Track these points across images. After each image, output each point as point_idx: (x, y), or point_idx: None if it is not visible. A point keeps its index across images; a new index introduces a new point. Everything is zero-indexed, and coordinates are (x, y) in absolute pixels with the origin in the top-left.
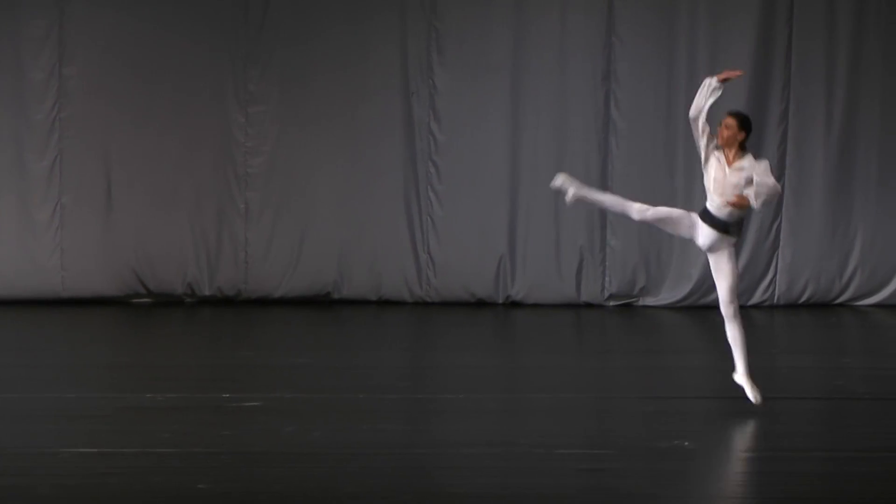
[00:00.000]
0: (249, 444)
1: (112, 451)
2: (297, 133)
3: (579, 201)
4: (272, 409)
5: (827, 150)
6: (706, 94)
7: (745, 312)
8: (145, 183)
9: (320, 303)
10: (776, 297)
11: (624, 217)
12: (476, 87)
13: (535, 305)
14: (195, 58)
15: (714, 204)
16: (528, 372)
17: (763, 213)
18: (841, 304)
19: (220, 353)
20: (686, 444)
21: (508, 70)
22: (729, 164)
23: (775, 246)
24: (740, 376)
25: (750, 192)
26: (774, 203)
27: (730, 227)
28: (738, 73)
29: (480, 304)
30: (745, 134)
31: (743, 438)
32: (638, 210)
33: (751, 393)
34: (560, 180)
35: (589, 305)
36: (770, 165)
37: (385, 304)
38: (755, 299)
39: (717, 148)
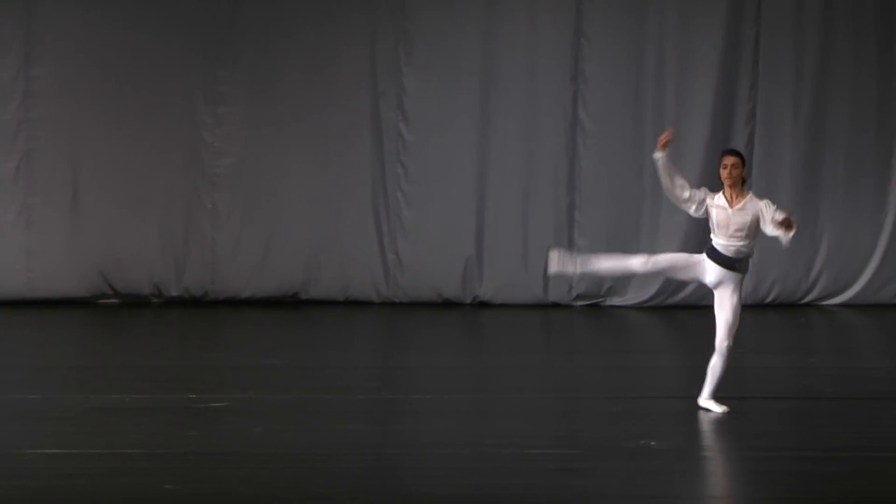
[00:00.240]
0: (217, 444)
1: (79, 453)
2: (265, 134)
3: (584, 276)
4: (240, 410)
5: (794, 151)
6: (665, 174)
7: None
8: (113, 183)
9: (288, 303)
10: (743, 298)
11: (629, 274)
12: (444, 88)
13: (503, 306)
14: (164, 58)
15: (720, 242)
16: (497, 372)
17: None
18: (808, 304)
19: (187, 354)
20: (653, 443)
21: (477, 71)
22: (731, 204)
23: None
24: (705, 400)
25: (780, 232)
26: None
27: (737, 264)
28: (668, 132)
29: (448, 305)
30: (744, 168)
31: (710, 438)
32: (640, 264)
33: (716, 407)
34: (555, 264)
35: (556, 306)
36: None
37: (353, 304)
38: None
39: (711, 192)
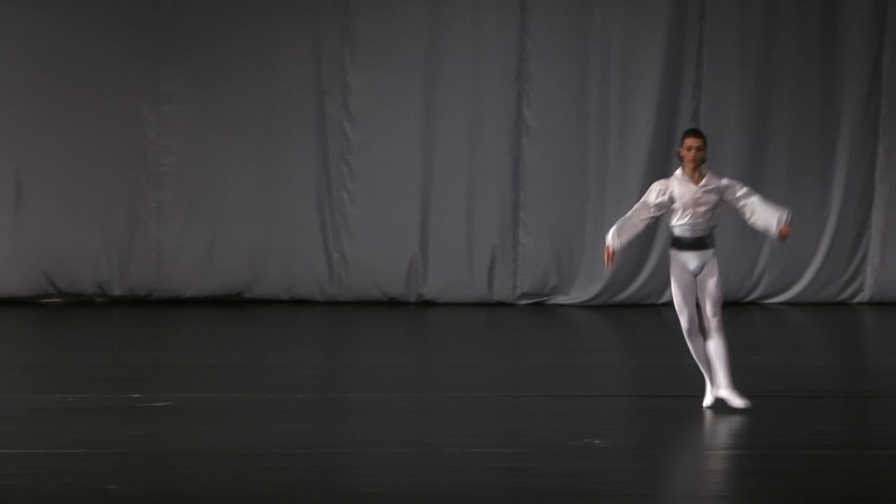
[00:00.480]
0: (160, 444)
1: (21, 452)
2: (209, 132)
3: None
4: (183, 410)
5: (737, 149)
6: (632, 238)
7: (655, 311)
8: (55, 182)
9: (232, 302)
10: None
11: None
12: (389, 86)
13: (448, 304)
14: (107, 57)
15: (683, 226)
16: (441, 371)
17: None
18: (751, 303)
19: (131, 354)
20: (598, 442)
21: (422, 69)
22: (696, 183)
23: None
24: (725, 390)
25: (769, 220)
26: None
27: (706, 240)
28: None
29: (393, 304)
30: (707, 149)
31: (654, 436)
32: (688, 331)
33: (738, 401)
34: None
35: (501, 304)
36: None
37: (297, 303)
38: (666, 297)
39: (665, 180)
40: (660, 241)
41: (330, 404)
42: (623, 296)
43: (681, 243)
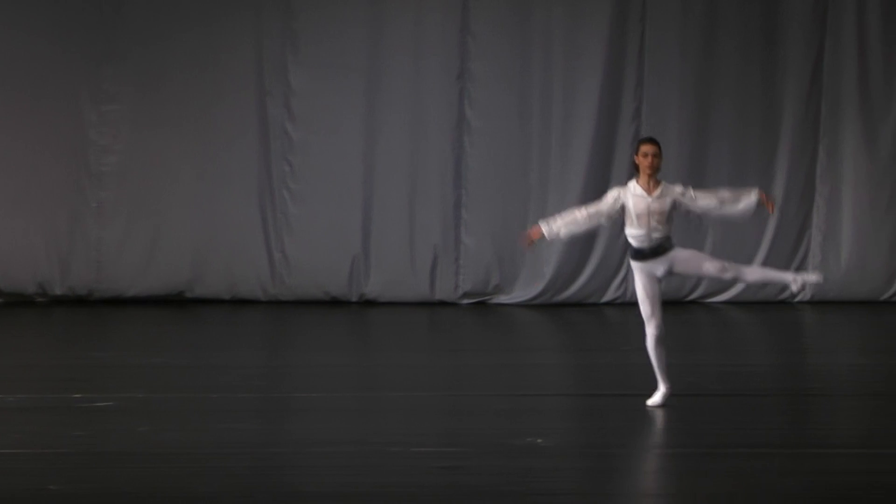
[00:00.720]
0: (102, 444)
1: None
2: (151, 132)
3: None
4: (125, 410)
5: (679, 149)
6: (572, 232)
7: (597, 310)
8: None
9: (174, 302)
10: (629, 295)
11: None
12: (331, 86)
13: (390, 304)
14: (48, 56)
15: (640, 236)
16: (383, 370)
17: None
18: (693, 302)
19: (72, 353)
20: (540, 441)
21: (364, 69)
22: (649, 192)
23: (628, 244)
24: (796, 282)
25: (734, 205)
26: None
27: (665, 244)
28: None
29: (335, 303)
30: (662, 157)
31: (596, 435)
32: (655, 337)
33: (813, 276)
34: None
35: (443, 303)
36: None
37: (239, 303)
38: (608, 297)
39: (619, 187)
40: (602, 240)
41: (272, 404)
42: (565, 295)
43: (641, 254)
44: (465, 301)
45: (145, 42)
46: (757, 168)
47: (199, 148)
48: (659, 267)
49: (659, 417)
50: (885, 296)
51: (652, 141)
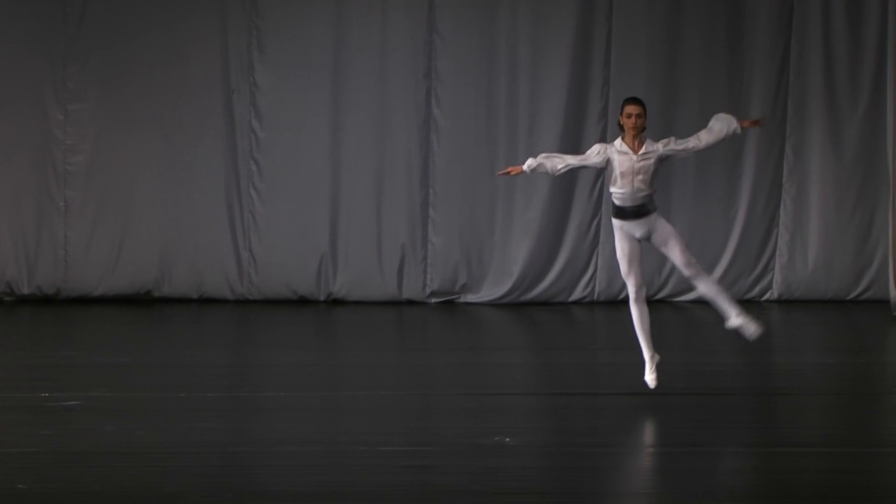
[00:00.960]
0: (69, 443)
1: None
2: (117, 131)
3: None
4: (92, 409)
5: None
6: (543, 170)
7: (564, 309)
8: None
9: (141, 301)
10: (596, 294)
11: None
12: (297, 84)
13: (357, 303)
14: (13, 55)
15: (623, 195)
16: (350, 369)
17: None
18: (660, 300)
19: (39, 353)
20: (508, 440)
21: (330, 67)
22: (635, 151)
23: (595, 243)
24: (735, 319)
25: (722, 127)
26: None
27: (648, 206)
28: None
29: (302, 302)
30: (646, 117)
31: (564, 434)
32: (635, 296)
33: (752, 326)
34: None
35: (411, 302)
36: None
37: (206, 302)
38: (575, 296)
39: (606, 144)
40: (569, 240)
41: (239, 403)
42: (532, 294)
43: (623, 213)
44: (433, 300)
45: (110, 40)
46: (723, 166)
47: (166, 147)
48: (638, 229)
49: (626, 416)
50: (852, 295)
51: (636, 101)
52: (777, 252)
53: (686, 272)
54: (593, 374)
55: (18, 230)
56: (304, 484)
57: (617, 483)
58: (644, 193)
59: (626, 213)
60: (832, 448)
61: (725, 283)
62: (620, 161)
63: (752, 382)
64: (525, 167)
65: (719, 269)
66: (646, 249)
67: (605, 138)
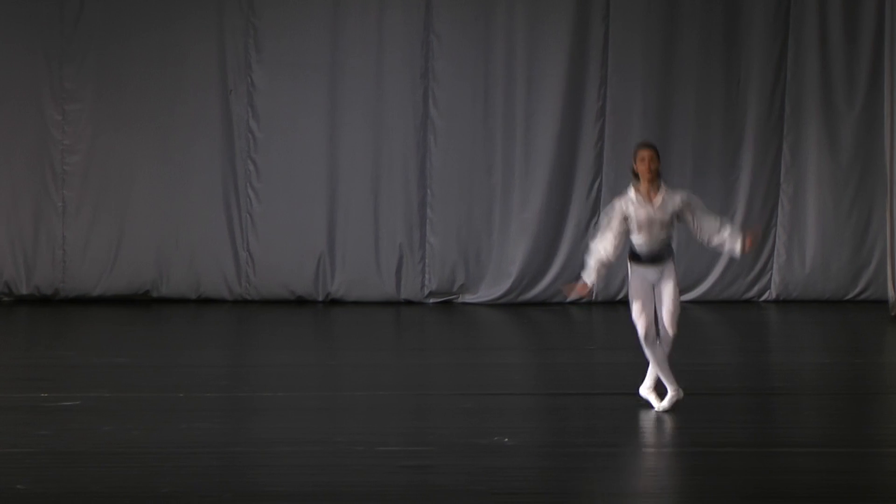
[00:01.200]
0: (67, 443)
1: None
2: (114, 131)
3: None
4: (90, 409)
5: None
6: (606, 270)
7: (562, 309)
8: None
9: (139, 301)
10: (594, 294)
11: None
12: (295, 84)
13: (355, 303)
14: (10, 55)
15: (643, 244)
16: (348, 370)
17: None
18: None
19: (37, 353)
20: (506, 440)
21: (327, 68)
22: (650, 199)
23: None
24: (646, 389)
25: (724, 239)
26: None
27: (664, 253)
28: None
29: (300, 302)
30: (660, 161)
31: (562, 434)
32: (646, 342)
33: (656, 402)
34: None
35: (409, 303)
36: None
37: (204, 302)
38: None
39: (620, 198)
40: (567, 239)
41: (237, 403)
42: (530, 294)
43: (640, 259)
44: (431, 300)
45: (107, 41)
46: (720, 166)
47: (164, 147)
48: (651, 274)
49: (624, 416)
50: (849, 295)
51: (648, 146)
52: (775, 252)
53: (666, 322)
54: (591, 375)
55: (16, 230)
56: (301, 484)
57: (615, 483)
58: (662, 239)
59: (643, 259)
60: (830, 448)
61: (723, 284)
62: (637, 212)
63: (750, 382)
64: (589, 282)
65: (717, 271)
66: None
67: (602, 139)
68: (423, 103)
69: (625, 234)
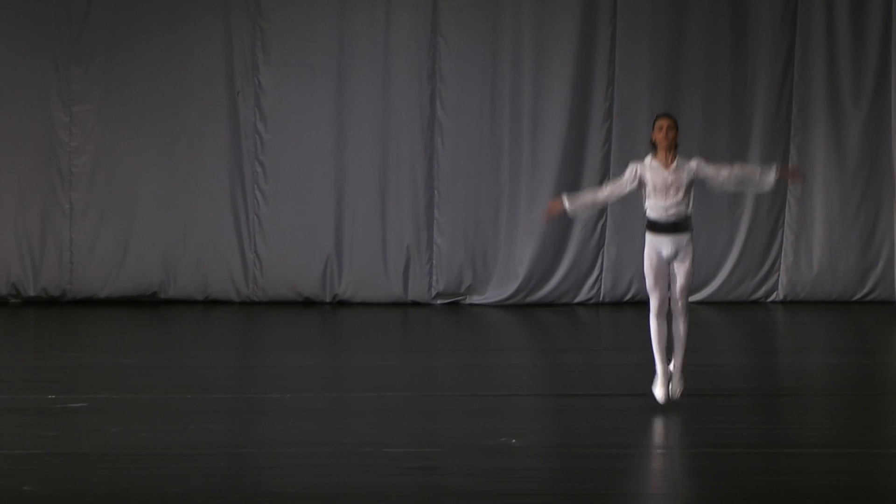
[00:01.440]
0: (75, 445)
1: None
2: (121, 132)
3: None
4: (98, 410)
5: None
6: (586, 207)
7: (570, 310)
8: None
9: (146, 303)
10: (602, 295)
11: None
12: (302, 86)
13: (363, 304)
14: (17, 57)
15: (658, 207)
16: (356, 371)
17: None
18: None
19: (45, 354)
20: (513, 441)
21: (334, 69)
22: (666, 166)
23: (601, 244)
24: (675, 369)
25: (755, 169)
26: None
27: (682, 224)
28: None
29: (308, 303)
30: (678, 132)
31: (569, 435)
32: (655, 316)
33: (676, 385)
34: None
35: (416, 304)
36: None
37: (212, 303)
38: (581, 297)
39: (638, 162)
40: (574, 241)
41: (245, 404)
42: (538, 295)
43: (656, 226)
44: (439, 301)
45: (114, 42)
46: None
47: (171, 148)
48: (667, 247)
49: (632, 417)
50: (857, 296)
51: (667, 115)
52: (782, 253)
53: (677, 293)
54: (598, 376)
55: (23, 232)
56: (309, 485)
57: (623, 484)
58: (678, 209)
59: (659, 227)
60: (837, 449)
61: (730, 285)
62: (653, 176)
63: (758, 383)
64: (567, 204)
65: (725, 271)
66: None
67: (609, 140)
68: (430, 105)
69: (623, 192)
